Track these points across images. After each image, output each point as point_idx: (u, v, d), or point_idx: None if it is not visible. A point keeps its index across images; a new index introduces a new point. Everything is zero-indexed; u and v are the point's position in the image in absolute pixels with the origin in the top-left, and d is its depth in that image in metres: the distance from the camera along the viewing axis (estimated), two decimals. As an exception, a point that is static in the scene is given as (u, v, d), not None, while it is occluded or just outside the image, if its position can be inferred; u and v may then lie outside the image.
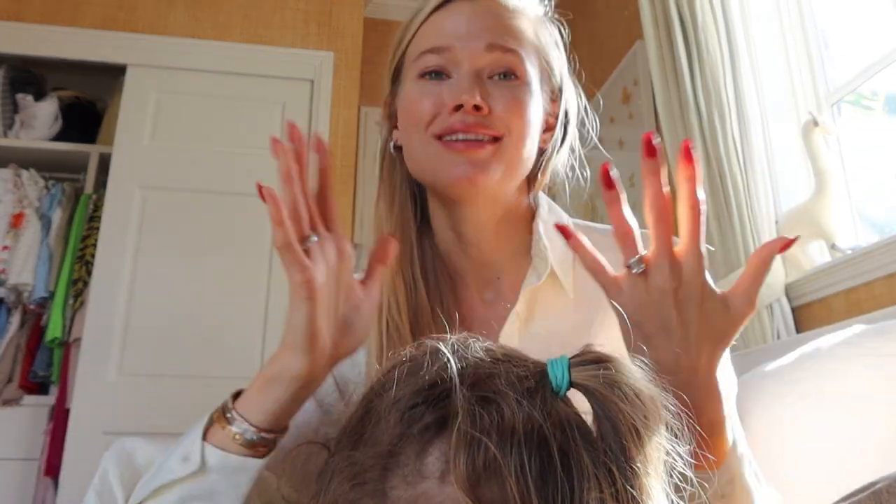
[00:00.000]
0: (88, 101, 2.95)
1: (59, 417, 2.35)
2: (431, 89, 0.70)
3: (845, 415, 0.70)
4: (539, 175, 0.77)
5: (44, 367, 2.50)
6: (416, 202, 0.76)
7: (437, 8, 0.72)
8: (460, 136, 0.67)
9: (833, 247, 1.52)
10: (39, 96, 2.77)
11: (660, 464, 0.38)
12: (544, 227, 0.74)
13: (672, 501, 0.39)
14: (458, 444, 0.36)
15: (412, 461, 0.37)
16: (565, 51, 0.79)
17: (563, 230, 0.59)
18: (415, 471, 0.37)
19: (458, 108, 0.67)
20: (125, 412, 2.34)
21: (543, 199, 0.78)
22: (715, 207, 1.66)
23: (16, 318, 2.53)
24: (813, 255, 1.60)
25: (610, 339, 0.64)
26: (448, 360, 0.39)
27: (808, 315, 1.53)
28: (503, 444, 0.35)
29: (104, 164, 2.68)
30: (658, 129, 2.08)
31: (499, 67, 0.69)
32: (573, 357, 0.40)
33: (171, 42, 2.75)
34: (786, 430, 0.75)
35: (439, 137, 0.68)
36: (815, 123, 1.56)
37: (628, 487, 0.36)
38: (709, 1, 1.73)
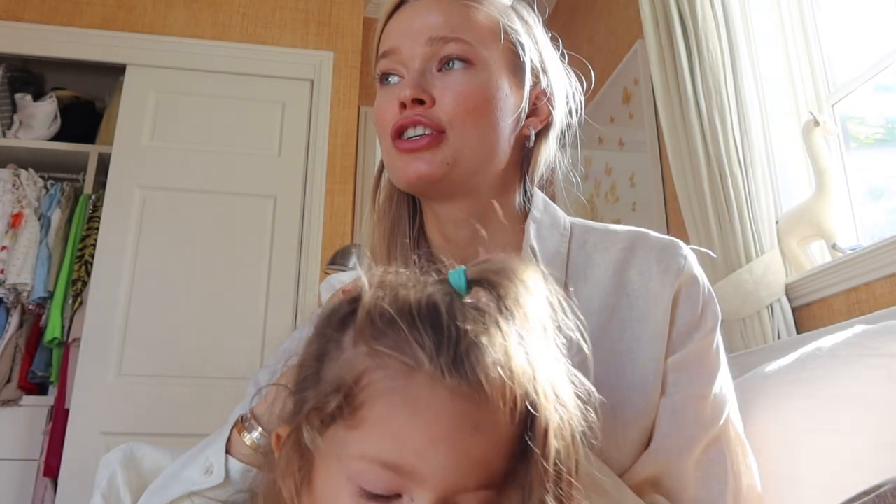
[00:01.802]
0: (87, 101, 2.95)
1: (59, 418, 2.35)
2: (386, 93, 0.71)
3: (847, 416, 0.70)
4: (531, 164, 0.76)
5: (43, 368, 2.50)
6: (410, 213, 0.76)
7: (391, 14, 0.73)
8: (408, 134, 0.67)
9: (833, 247, 1.52)
10: (38, 96, 2.77)
11: (540, 323, 0.46)
12: (537, 226, 0.72)
13: (567, 367, 0.47)
14: (362, 314, 0.45)
15: (335, 346, 0.46)
16: (552, 37, 0.77)
17: None
18: (337, 350, 0.46)
19: (405, 105, 0.67)
20: (124, 413, 2.33)
21: (539, 197, 0.76)
22: (715, 207, 1.66)
23: (15, 318, 2.53)
24: (813, 255, 1.60)
25: (620, 342, 0.65)
26: (360, 276, 0.48)
27: (808, 315, 1.53)
28: (397, 304, 0.44)
29: (103, 163, 2.68)
30: (658, 128, 2.07)
31: (445, 57, 0.69)
32: (471, 264, 0.49)
33: (170, 42, 2.75)
34: (787, 431, 0.75)
35: (395, 139, 0.68)
36: (816, 123, 1.56)
37: (512, 328, 0.44)
38: (709, 0, 1.72)
